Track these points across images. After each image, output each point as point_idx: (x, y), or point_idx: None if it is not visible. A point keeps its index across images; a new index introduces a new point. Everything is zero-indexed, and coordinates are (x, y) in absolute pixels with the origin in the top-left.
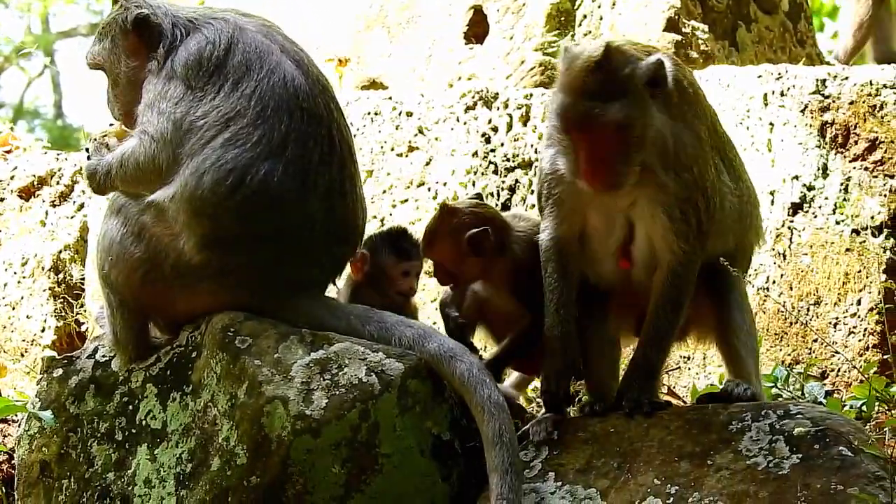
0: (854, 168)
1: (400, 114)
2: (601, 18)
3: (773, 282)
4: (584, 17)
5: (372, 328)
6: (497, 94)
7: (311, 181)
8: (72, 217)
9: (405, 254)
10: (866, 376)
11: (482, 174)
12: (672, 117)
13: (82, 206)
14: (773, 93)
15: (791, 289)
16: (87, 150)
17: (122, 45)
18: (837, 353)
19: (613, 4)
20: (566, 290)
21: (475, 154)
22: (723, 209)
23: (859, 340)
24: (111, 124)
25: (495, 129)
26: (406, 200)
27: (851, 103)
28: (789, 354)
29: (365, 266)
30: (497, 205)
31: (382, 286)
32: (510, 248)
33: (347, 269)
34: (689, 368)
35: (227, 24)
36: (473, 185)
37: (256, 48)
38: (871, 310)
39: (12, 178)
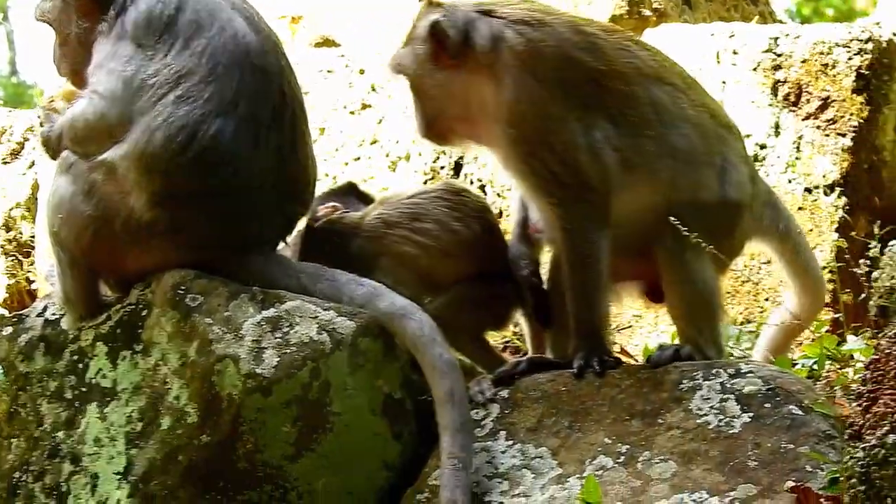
0: (806, 126)
1: (353, 71)
2: None
3: None
4: None
5: (323, 286)
6: None
7: (263, 138)
8: (23, 174)
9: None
10: (817, 335)
11: None
12: (478, 73)
13: (33, 163)
14: (726, 51)
15: None
16: (38, 118)
17: (74, 5)
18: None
19: None
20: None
21: None
22: (599, 163)
23: None
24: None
25: None
26: (358, 158)
27: (804, 62)
28: (741, 313)
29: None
30: (450, 162)
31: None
32: None
33: (300, 225)
34: (642, 327)
35: None
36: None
37: (207, 5)
38: (823, 268)
39: None
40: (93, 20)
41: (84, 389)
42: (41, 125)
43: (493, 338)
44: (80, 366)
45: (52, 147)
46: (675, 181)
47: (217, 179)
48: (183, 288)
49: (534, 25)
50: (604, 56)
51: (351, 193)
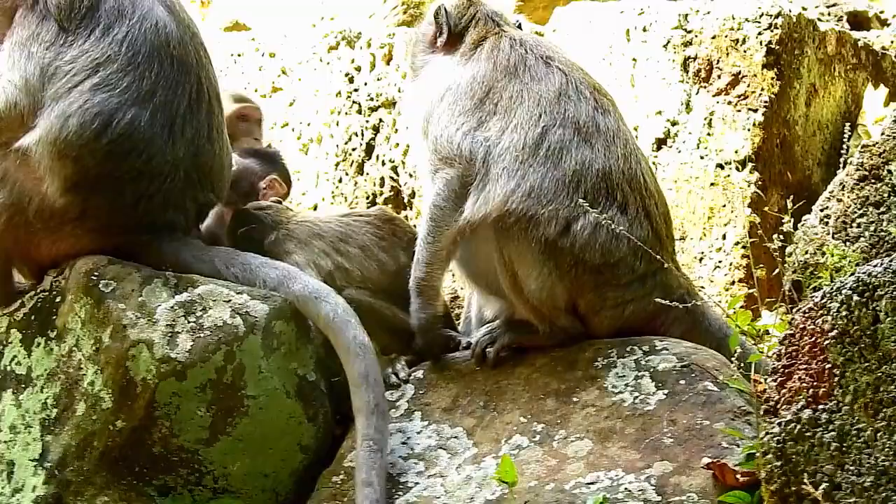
0: (717, 102)
1: (263, 55)
2: None
3: None
4: None
5: (236, 270)
6: (360, 33)
7: (178, 127)
8: None
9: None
10: (732, 311)
11: (346, 114)
12: None
13: None
14: (636, 28)
15: None
16: None
17: None
18: (703, 288)
19: None
20: None
21: (339, 94)
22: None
23: (725, 275)
24: None
25: (358, 69)
26: (269, 142)
27: (714, 38)
28: None
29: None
30: (361, 144)
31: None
32: None
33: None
34: None
35: None
36: (337, 125)
37: None
38: (736, 244)
39: None
40: None
41: None
42: None
43: None
44: None
45: None
46: None
47: (130, 166)
48: (96, 274)
49: None
50: None
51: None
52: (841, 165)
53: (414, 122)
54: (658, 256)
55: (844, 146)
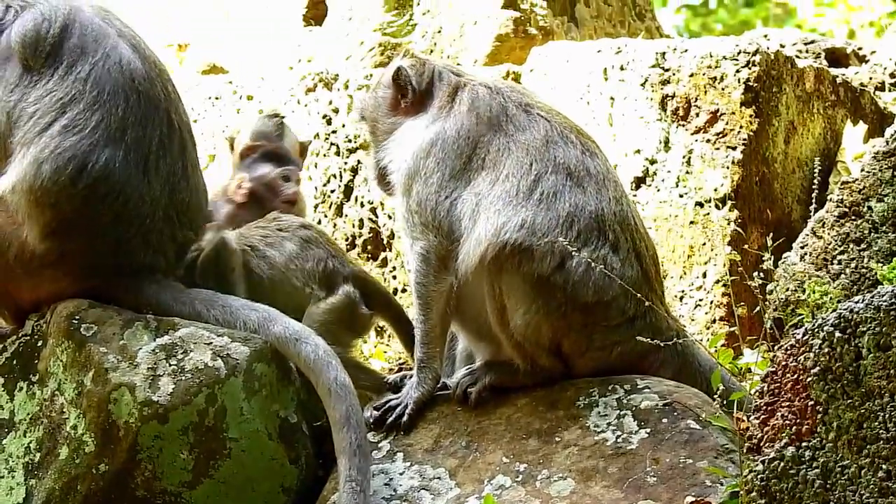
0: (696, 140)
1: (241, 98)
2: None
3: None
4: None
5: (216, 312)
6: (337, 75)
7: (152, 165)
8: None
9: (282, 160)
10: (714, 349)
11: (324, 156)
12: None
13: None
14: (613, 67)
15: None
16: None
17: None
18: (684, 327)
19: None
20: None
21: (317, 136)
22: None
23: (706, 313)
24: None
25: (336, 111)
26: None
27: (692, 76)
28: None
29: (242, 187)
30: (340, 186)
31: (267, 201)
32: None
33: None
34: None
35: (63, 3)
36: (316, 167)
37: (93, 30)
38: (716, 282)
39: None
40: None
41: None
42: None
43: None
44: None
45: None
46: None
47: (108, 209)
48: (77, 317)
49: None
50: None
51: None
52: (814, 203)
53: (393, 181)
54: (648, 299)
55: (815, 182)
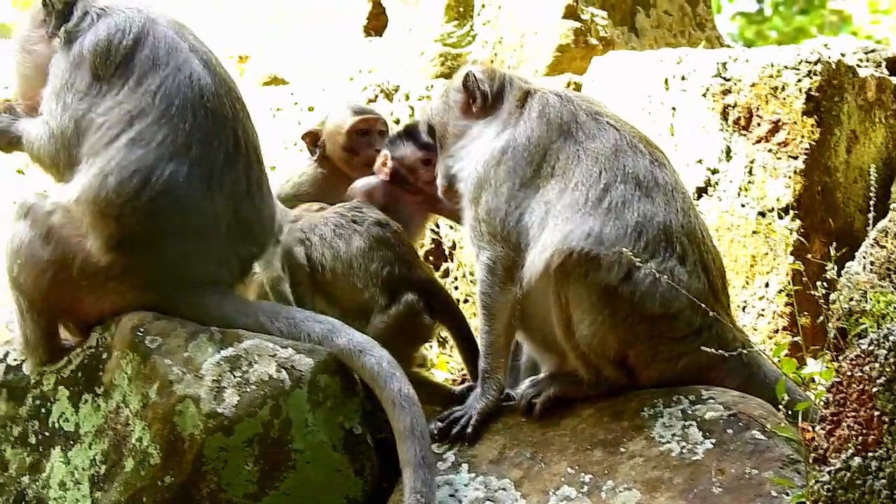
0: (758, 150)
1: (301, 109)
2: (500, 7)
3: None
4: (483, 6)
5: (281, 324)
6: (398, 86)
7: (217, 181)
8: None
9: (423, 143)
10: (777, 359)
11: None
12: None
13: None
14: (674, 76)
15: None
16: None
17: (32, 15)
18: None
19: None
20: None
21: None
22: None
23: (769, 323)
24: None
25: (397, 122)
26: None
27: (753, 85)
28: None
29: (387, 164)
30: None
31: (409, 182)
32: None
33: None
34: None
35: (139, 14)
36: None
37: (166, 43)
38: (779, 292)
39: None
40: (41, 30)
41: (47, 434)
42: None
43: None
44: (43, 410)
45: (5, 142)
46: None
47: (171, 223)
48: (142, 330)
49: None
50: None
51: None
52: (872, 212)
53: (460, 189)
54: (714, 310)
55: (874, 191)
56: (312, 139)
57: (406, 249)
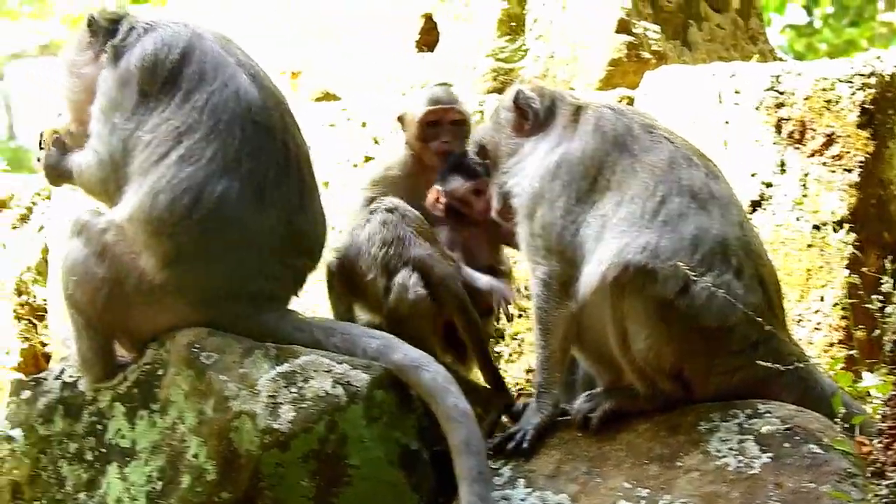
0: (812, 163)
1: (354, 124)
2: (552, 22)
3: None
4: (535, 21)
5: (336, 340)
6: None
7: (268, 196)
8: (32, 239)
9: (472, 173)
10: (833, 372)
11: None
12: None
13: (42, 227)
14: (728, 90)
15: None
16: (40, 142)
17: (78, 37)
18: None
19: (564, 8)
20: None
21: None
22: None
23: (824, 336)
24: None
25: None
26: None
27: (807, 98)
28: None
29: (440, 200)
30: None
31: (465, 214)
32: None
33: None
34: None
35: (185, 29)
36: None
37: (213, 58)
38: (835, 305)
39: None
40: (89, 52)
41: (104, 450)
42: (41, 147)
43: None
44: (99, 427)
45: (55, 176)
46: None
47: (224, 239)
48: (197, 346)
49: None
50: None
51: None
52: None
53: (515, 204)
54: (770, 324)
55: None
56: (401, 122)
57: (408, 229)
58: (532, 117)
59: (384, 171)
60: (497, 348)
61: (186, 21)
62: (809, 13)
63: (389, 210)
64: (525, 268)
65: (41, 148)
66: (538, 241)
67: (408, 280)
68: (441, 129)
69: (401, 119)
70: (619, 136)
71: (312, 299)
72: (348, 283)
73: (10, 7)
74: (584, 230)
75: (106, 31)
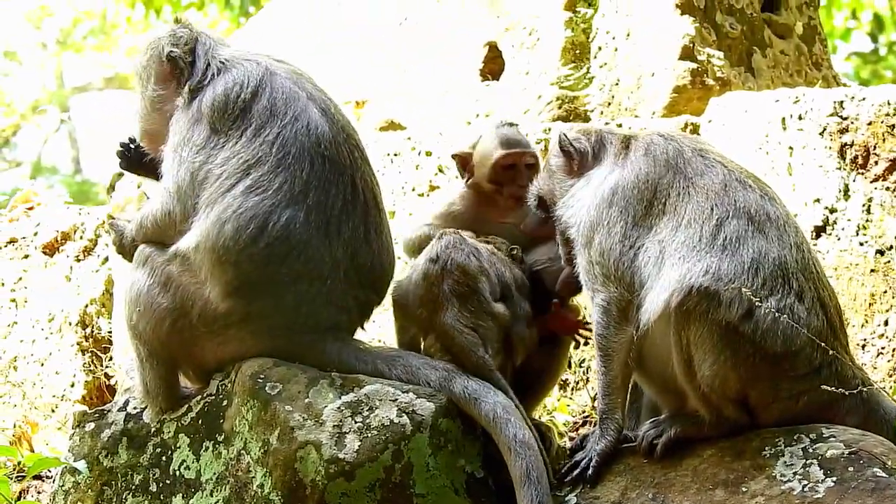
0: (875, 188)
1: (419, 154)
2: (616, 50)
3: None
4: (599, 48)
5: (398, 371)
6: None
7: (334, 228)
8: (96, 271)
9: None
10: None
11: None
12: None
13: (106, 259)
14: (791, 116)
15: None
16: (106, 231)
17: (155, 70)
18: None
19: (628, 35)
20: None
21: None
22: None
23: (888, 361)
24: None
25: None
26: None
27: (870, 124)
28: None
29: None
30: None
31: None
32: None
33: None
34: None
35: (258, 67)
36: None
37: (284, 94)
38: None
39: (35, 234)
40: (168, 91)
41: (168, 482)
42: (110, 233)
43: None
44: (164, 458)
45: (129, 252)
46: None
47: (289, 268)
48: (262, 376)
49: None
50: None
51: None
52: None
53: (572, 234)
54: (833, 348)
55: None
56: (462, 162)
57: (444, 287)
58: (579, 157)
59: (447, 207)
60: (563, 376)
61: (260, 58)
62: (874, 40)
63: (433, 260)
64: (585, 296)
65: (111, 235)
66: (597, 268)
67: (430, 348)
68: (516, 172)
69: (463, 158)
70: (671, 159)
71: (381, 329)
72: (407, 317)
73: (75, 40)
74: (643, 255)
75: (184, 63)
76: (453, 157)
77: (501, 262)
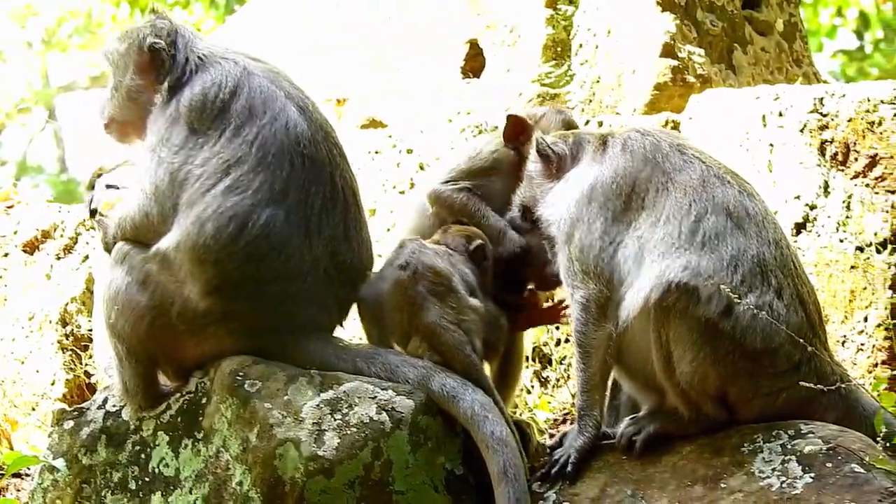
0: (855, 185)
1: (400, 151)
2: (597, 47)
3: None
4: (580, 46)
5: (377, 368)
6: (496, 126)
7: (314, 226)
8: (77, 269)
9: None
10: (876, 393)
11: None
12: None
13: (87, 257)
14: (772, 113)
15: None
16: (98, 229)
17: (133, 59)
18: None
19: (609, 33)
20: None
21: None
22: None
23: (868, 357)
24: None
25: None
26: None
27: (850, 120)
28: None
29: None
30: None
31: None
32: None
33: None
34: None
35: (235, 66)
36: None
37: (262, 93)
38: (878, 326)
39: (15, 232)
40: (147, 81)
41: (147, 479)
42: (98, 231)
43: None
44: (143, 456)
45: (110, 248)
46: None
47: (268, 267)
48: (241, 374)
49: None
50: None
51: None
52: None
53: (553, 232)
54: (812, 344)
55: None
56: (519, 125)
57: (421, 290)
58: (557, 159)
59: (485, 161)
60: (544, 373)
61: (237, 57)
62: (860, 38)
63: (402, 267)
64: (565, 292)
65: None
66: (576, 265)
67: (416, 350)
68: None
69: (519, 120)
70: (649, 153)
71: (361, 327)
72: (377, 322)
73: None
74: (622, 251)
75: (166, 55)
76: (510, 116)
77: (459, 261)
